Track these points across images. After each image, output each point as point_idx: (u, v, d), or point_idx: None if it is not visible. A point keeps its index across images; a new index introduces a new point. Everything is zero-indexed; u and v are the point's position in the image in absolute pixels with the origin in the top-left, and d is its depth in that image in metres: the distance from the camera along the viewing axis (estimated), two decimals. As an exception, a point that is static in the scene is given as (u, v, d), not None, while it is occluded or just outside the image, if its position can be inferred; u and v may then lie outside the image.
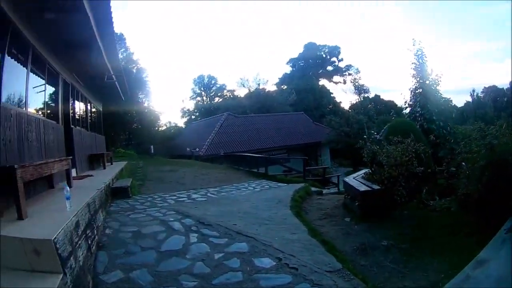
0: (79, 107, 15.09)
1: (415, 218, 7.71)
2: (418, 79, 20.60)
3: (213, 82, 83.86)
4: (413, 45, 20.70)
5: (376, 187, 8.75)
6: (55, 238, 3.98)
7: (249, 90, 72.70)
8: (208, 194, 12.71)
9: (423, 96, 20.08)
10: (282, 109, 57.87)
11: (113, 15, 9.00)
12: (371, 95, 58.25)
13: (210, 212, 8.92)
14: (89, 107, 17.30)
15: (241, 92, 76.96)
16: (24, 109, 7.52)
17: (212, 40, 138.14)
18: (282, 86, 75.09)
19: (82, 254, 4.85)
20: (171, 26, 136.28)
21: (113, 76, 14.30)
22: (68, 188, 5.85)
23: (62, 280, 3.79)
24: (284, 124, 47.23)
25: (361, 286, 4.68)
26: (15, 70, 7.29)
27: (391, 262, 5.98)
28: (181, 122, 74.34)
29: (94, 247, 5.75)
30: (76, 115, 14.02)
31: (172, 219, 7.77)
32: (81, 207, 5.79)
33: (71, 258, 4.32)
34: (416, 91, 20.70)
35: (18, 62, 7.45)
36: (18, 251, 3.96)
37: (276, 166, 23.87)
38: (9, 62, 6.71)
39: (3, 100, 6.27)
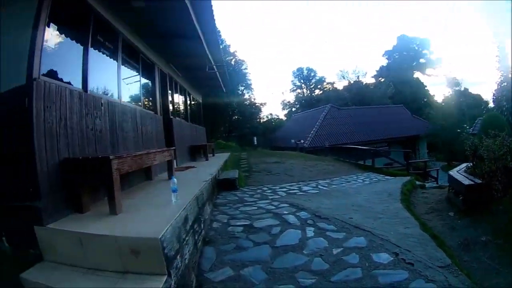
0: (178, 98, 14.90)
1: (508, 213, 6.97)
2: (502, 72, 19.21)
3: (312, 74, 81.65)
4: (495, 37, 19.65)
5: (478, 181, 8.12)
6: (162, 236, 3.56)
7: (349, 82, 72.69)
8: (319, 186, 11.98)
9: (508, 89, 18.77)
10: (381, 102, 56.59)
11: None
12: (461, 89, 55.59)
13: (324, 205, 8.31)
14: (188, 98, 17.18)
15: (340, 84, 76.89)
16: (117, 98, 7.22)
17: (310, 31, 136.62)
18: (380, 79, 73.26)
19: (188, 251, 4.43)
20: (267, 17, 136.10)
21: (214, 66, 13.85)
22: (175, 180, 5.43)
23: (165, 282, 3.37)
24: (384, 117, 45.41)
25: (466, 282, 4.37)
26: (103, 59, 7.01)
27: (488, 258, 5.60)
28: (281, 114, 75.72)
29: (200, 243, 5.35)
30: (175, 106, 13.81)
31: (286, 212, 7.22)
32: (189, 200, 5.32)
33: (178, 257, 3.91)
34: (502, 85, 19.16)
35: (106, 51, 7.19)
36: (110, 251, 3.62)
37: (378, 159, 22.56)
38: (95, 50, 6.39)
39: (90, 88, 5.91)
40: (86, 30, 6.04)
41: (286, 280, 4.32)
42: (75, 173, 4.60)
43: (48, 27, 4.81)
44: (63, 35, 5.52)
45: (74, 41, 5.80)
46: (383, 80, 70.75)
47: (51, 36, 5.11)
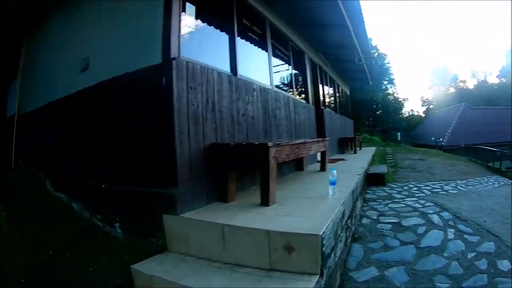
0: (328, 88, 13.91)
1: None
2: None
3: (447, 71, 78.95)
4: None
5: None
6: (323, 232, 2.99)
7: (478, 81, 70.36)
8: (458, 186, 10.83)
9: None
10: (506, 103, 51.11)
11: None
12: None
13: (463, 206, 7.50)
14: (337, 90, 16.11)
15: (471, 83, 73.01)
16: (269, 85, 6.58)
17: (446, 27, 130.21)
18: (502, 79, 68.00)
19: (340, 248, 3.84)
20: (406, 12, 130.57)
21: (363, 58, 12.78)
22: (334, 172, 4.78)
23: (317, 283, 2.78)
24: (507, 119, 41.02)
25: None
26: (252, 44, 6.46)
27: None
28: (421, 111, 73.99)
29: (349, 240, 4.73)
30: (325, 96, 12.89)
31: (431, 212, 6.58)
32: (347, 194, 4.68)
33: (332, 255, 3.31)
34: None
35: (254, 35, 6.59)
36: (258, 245, 3.09)
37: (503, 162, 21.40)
38: (241, 33, 5.78)
39: (239, 72, 5.30)
40: (229, 14, 5.44)
41: (425, 284, 3.92)
42: (224, 161, 4.16)
43: (184, 11, 4.29)
44: (204, 18, 5.00)
45: (215, 24, 5.27)
46: (504, 80, 65.84)
47: (192, 18, 4.66)
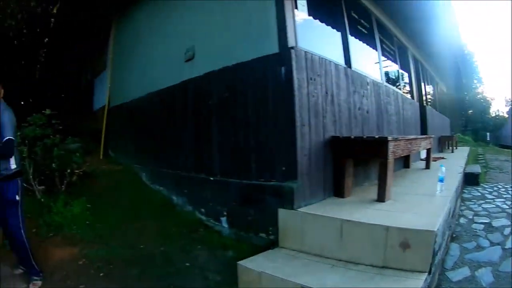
0: (428, 85, 13.39)
1: None
2: None
3: None
4: None
5: None
6: (437, 229, 2.89)
7: None
8: None
9: None
10: None
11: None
12: None
13: None
14: (435, 87, 15.44)
15: None
16: (379, 79, 6.22)
17: None
18: None
19: (443, 247, 3.74)
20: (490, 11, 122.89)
21: (457, 56, 12.36)
22: (443, 169, 4.65)
23: (425, 281, 2.65)
24: None
25: None
26: (360, 37, 6.08)
27: None
28: (504, 111, 69.21)
29: (449, 239, 4.55)
30: (426, 93, 12.35)
31: None
32: (452, 192, 4.59)
33: (438, 253, 3.21)
34: None
35: (362, 28, 6.30)
36: (375, 242, 2.95)
37: None
38: (351, 26, 5.51)
39: (353, 66, 5.03)
40: (339, 8, 5.22)
41: (505, 285, 3.74)
42: (344, 154, 4.01)
43: (296, 7, 4.05)
44: (314, 13, 4.77)
45: (325, 18, 5.06)
46: None
47: (303, 11, 4.47)
